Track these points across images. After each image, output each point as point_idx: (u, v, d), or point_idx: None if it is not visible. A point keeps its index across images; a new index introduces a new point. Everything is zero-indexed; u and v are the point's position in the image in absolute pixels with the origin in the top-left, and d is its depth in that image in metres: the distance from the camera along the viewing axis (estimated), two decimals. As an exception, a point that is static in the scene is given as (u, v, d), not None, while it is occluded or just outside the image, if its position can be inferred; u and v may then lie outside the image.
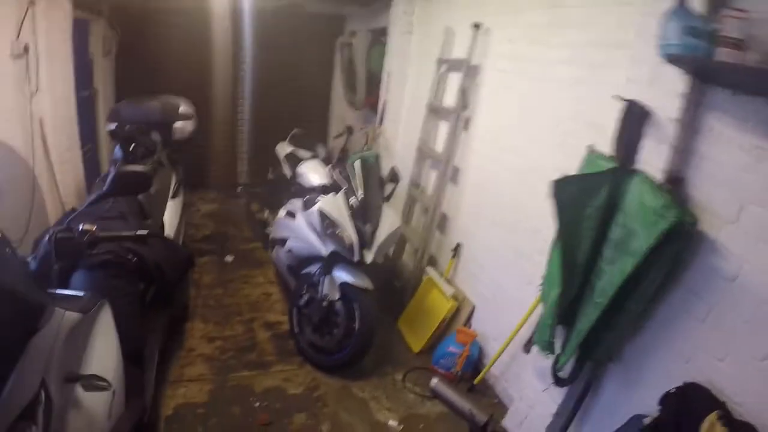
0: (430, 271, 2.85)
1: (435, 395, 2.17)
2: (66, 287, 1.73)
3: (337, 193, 2.63)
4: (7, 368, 1.10)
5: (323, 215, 2.50)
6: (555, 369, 1.72)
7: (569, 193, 1.54)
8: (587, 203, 1.54)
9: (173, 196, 2.83)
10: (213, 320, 2.86)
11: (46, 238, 1.53)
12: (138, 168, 2.01)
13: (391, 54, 3.54)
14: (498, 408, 2.29)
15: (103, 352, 1.50)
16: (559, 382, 1.75)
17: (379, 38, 3.77)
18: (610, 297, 1.44)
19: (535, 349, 1.88)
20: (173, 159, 3.11)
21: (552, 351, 1.72)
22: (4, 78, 2.51)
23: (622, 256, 1.43)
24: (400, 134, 3.41)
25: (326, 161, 3.16)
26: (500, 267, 2.39)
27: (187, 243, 3.53)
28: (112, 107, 3.45)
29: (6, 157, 2.53)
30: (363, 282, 2.45)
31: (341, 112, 4.68)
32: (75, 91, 3.16)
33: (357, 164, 2.70)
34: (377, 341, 2.49)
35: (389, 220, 2.62)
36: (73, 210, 2.17)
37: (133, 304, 1.91)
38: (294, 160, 3.38)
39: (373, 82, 3.76)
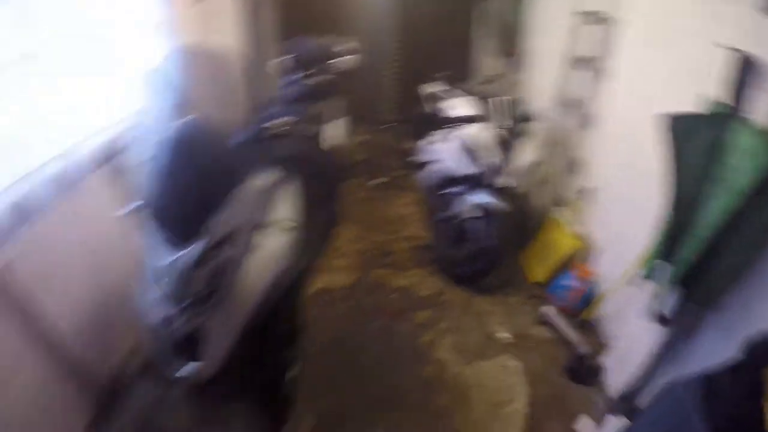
0: (557, 211, 2.96)
1: (544, 321, 2.44)
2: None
3: (483, 122, 2.87)
4: (220, 204, 1.53)
5: (470, 140, 2.77)
6: (656, 306, 1.83)
7: (683, 128, 1.61)
8: (697, 139, 1.61)
9: (338, 118, 3.32)
10: (360, 226, 3.32)
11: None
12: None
13: (531, 5, 3.62)
14: (599, 346, 2.33)
15: (288, 213, 1.89)
16: (660, 320, 1.84)
17: None
18: (711, 230, 1.49)
19: (639, 290, 1.97)
20: (336, 87, 3.58)
21: (653, 278, 1.78)
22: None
23: (724, 193, 1.47)
24: (537, 81, 3.45)
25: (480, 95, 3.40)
26: (627, 213, 2.38)
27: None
28: (285, 43, 4.01)
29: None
30: (498, 204, 2.66)
31: (481, 60, 4.78)
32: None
33: (498, 101, 2.91)
34: (503, 264, 2.72)
35: (526, 154, 2.82)
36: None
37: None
38: (437, 99, 3.66)
39: (513, 32, 3.85)
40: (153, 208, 1.63)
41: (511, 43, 3.87)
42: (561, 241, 2.79)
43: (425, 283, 2.80)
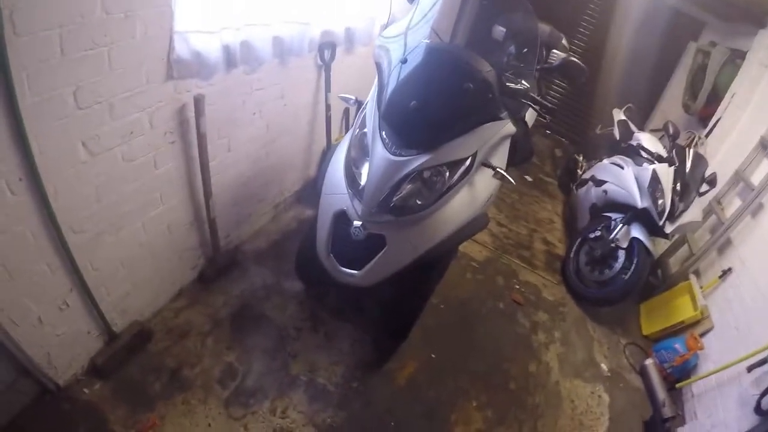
0: (693, 279, 2.93)
1: (642, 372, 2.48)
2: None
3: (670, 165, 2.89)
4: (463, 130, 1.63)
5: (655, 176, 2.81)
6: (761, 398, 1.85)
7: None
8: None
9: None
10: (505, 213, 3.47)
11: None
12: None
13: (741, 78, 3.44)
14: (681, 417, 2.35)
15: (503, 164, 2.00)
16: (759, 411, 1.87)
17: (734, 58, 3.59)
18: None
19: (740, 380, 2.01)
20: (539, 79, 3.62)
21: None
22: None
23: None
24: (721, 153, 3.32)
25: (673, 136, 3.35)
26: (757, 307, 2.38)
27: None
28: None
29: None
30: (651, 246, 2.72)
31: (667, 109, 4.52)
32: None
33: (690, 151, 2.98)
34: (624, 304, 2.78)
35: (696, 212, 2.83)
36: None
37: None
38: (626, 127, 3.63)
39: (714, 95, 3.67)
40: (398, 105, 1.66)
41: (709, 105, 3.75)
42: (684, 305, 2.80)
43: (551, 288, 2.93)
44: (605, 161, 3.36)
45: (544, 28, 3.61)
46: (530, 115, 3.16)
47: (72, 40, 1.22)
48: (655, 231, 2.78)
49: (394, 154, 1.62)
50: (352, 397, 1.95)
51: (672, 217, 2.73)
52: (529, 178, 4.09)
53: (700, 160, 2.96)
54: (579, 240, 3.07)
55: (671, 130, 3.26)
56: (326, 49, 2.36)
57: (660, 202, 2.75)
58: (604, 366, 2.54)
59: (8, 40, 1.08)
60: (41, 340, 1.52)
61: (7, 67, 1.10)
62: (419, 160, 1.60)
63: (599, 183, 3.23)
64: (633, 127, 3.63)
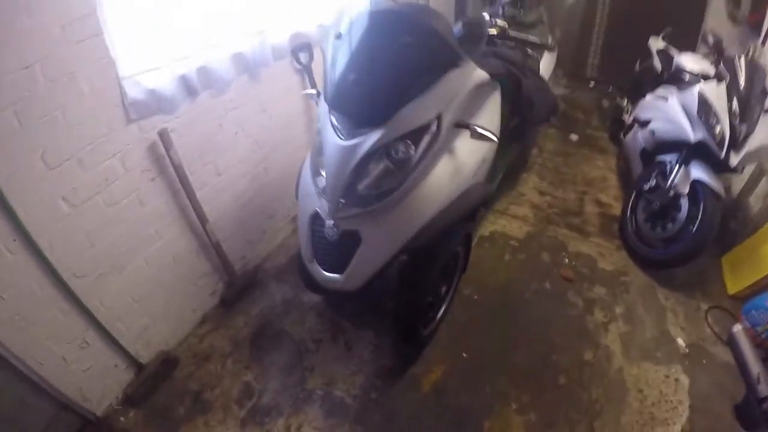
0: None
1: (730, 342, 2.00)
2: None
3: (719, 82, 2.36)
4: (417, 91, 1.41)
5: (702, 98, 2.33)
6: None
7: None
8: None
9: (549, 50, 2.99)
10: (548, 179, 3.12)
11: (461, 22, 1.71)
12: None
13: None
14: None
15: (491, 119, 1.78)
16: None
17: None
18: None
19: None
20: (552, 21, 3.24)
21: None
22: None
23: None
24: None
25: (716, 48, 2.74)
26: None
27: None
28: None
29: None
30: (717, 185, 2.25)
31: (715, 26, 3.69)
32: None
33: (741, 61, 2.37)
34: (701, 261, 2.31)
35: (765, 132, 2.24)
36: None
37: (501, 119, 2.12)
38: (666, 56, 3.09)
39: None
40: (338, 85, 1.51)
41: (758, 9, 3.00)
42: None
43: (609, 256, 2.57)
44: (648, 97, 2.88)
45: None
46: (546, 64, 2.82)
47: (26, 113, 1.34)
48: (719, 166, 2.29)
49: (345, 138, 1.47)
50: (371, 408, 1.84)
51: (735, 144, 2.23)
52: (574, 137, 3.64)
53: (756, 71, 2.38)
54: (634, 194, 2.66)
55: (711, 41, 2.69)
56: (301, 52, 2.26)
57: (716, 129, 2.25)
58: (680, 341, 2.13)
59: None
60: (70, 376, 1.68)
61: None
62: (371, 139, 1.43)
63: (644, 123, 2.77)
64: (675, 51, 3.06)
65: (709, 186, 2.26)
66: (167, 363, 2.00)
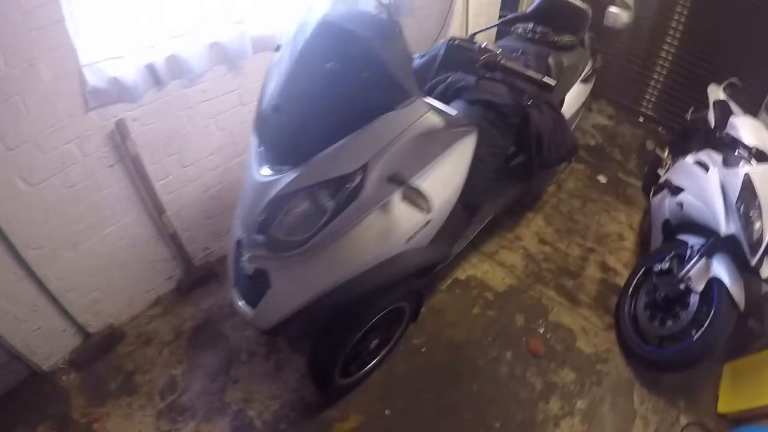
0: None
1: None
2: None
3: None
4: (344, 132, 1.20)
5: (747, 184, 1.93)
6: None
7: None
8: None
9: (584, 80, 2.58)
10: (555, 226, 2.78)
11: (441, 42, 1.51)
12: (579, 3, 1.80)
13: None
14: None
15: (442, 178, 1.51)
16: None
17: None
18: None
19: None
20: (596, 45, 2.75)
21: None
22: None
23: None
24: None
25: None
26: None
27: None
28: None
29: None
30: (739, 292, 1.88)
31: None
32: None
33: None
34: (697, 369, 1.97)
35: None
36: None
37: (495, 157, 1.93)
38: (724, 110, 2.56)
39: None
40: (263, 109, 1.36)
41: None
42: None
43: (593, 335, 2.26)
44: (688, 158, 2.41)
45: None
46: (574, 97, 2.44)
47: None
48: (748, 270, 1.91)
49: (263, 171, 1.32)
50: None
51: None
52: (602, 180, 3.21)
53: None
54: (642, 270, 2.29)
55: None
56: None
57: (755, 226, 1.86)
58: None
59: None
60: (21, 333, 1.82)
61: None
62: (285, 180, 1.25)
63: (675, 191, 2.35)
64: (736, 108, 2.55)
65: (729, 290, 1.88)
66: (113, 336, 2.08)
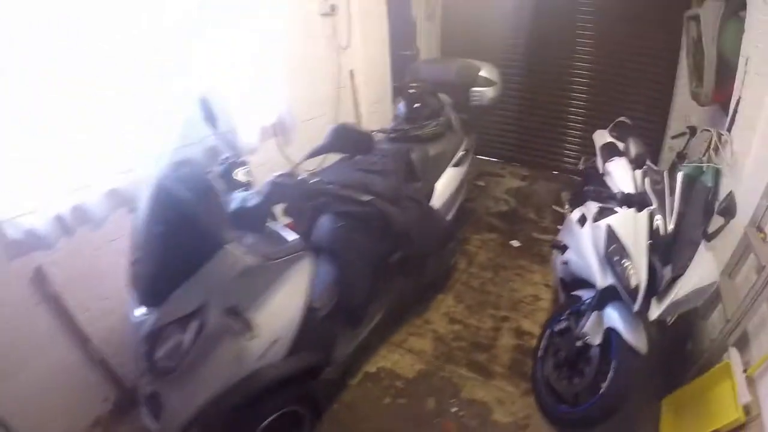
0: (732, 356, 1.90)
1: None
2: (313, 226, 2.11)
3: (639, 210, 2.03)
4: (183, 277, 1.46)
5: (611, 235, 1.97)
6: None
7: None
8: None
9: (456, 165, 2.80)
10: (466, 302, 2.84)
11: (266, 182, 1.72)
12: (360, 128, 2.06)
13: (750, 32, 2.27)
14: None
15: (278, 303, 1.66)
16: None
17: (736, 10, 2.47)
18: None
19: None
20: (467, 125, 3.04)
21: None
22: (315, 33, 3.08)
23: None
24: (754, 149, 2.16)
25: (637, 162, 2.41)
26: None
27: (471, 214, 3.55)
28: (411, 65, 3.56)
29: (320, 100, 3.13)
30: (636, 339, 1.87)
31: (684, 106, 3.35)
32: (394, 50, 3.60)
33: (679, 177, 2.04)
34: (624, 409, 1.90)
35: (702, 269, 1.85)
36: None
37: (364, 260, 2.07)
38: (613, 152, 2.72)
39: (726, 70, 2.52)
40: (129, 261, 1.60)
41: (724, 85, 2.59)
42: (721, 403, 1.84)
43: (510, 404, 2.24)
44: (574, 214, 2.49)
45: (451, 67, 3.11)
46: (446, 183, 2.65)
47: None
48: (641, 316, 1.91)
49: (138, 313, 1.60)
50: None
51: (657, 291, 1.87)
52: (516, 243, 3.34)
53: (694, 185, 2.06)
54: (548, 333, 2.30)
55: (633, 151, 2.41)
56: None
57: (628, 273, 1.88)
58: None
59: None
60: None
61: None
62: (150, 320, 1.52)
63: (563, 249, 2.44)
64: (622, 147, 2.72)
65: (624, 339, 1.89)
66: None
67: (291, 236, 1.75)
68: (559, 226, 2.94)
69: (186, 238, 1.48)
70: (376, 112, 3.66)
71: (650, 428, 2.03)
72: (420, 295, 2.76)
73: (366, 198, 1.91)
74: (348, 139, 1.80)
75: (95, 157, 2.03)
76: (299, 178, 1.81)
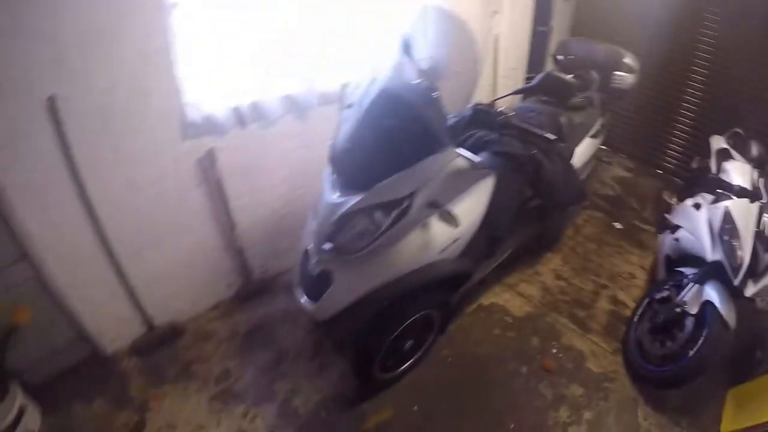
0: None
1: None
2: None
3: (753, 200, 2.38)
4: (397, 169, 1.68)
5: (728, 217, 2.34)
6: None
7: None
8: None
9: (593, 136, 3.03)
10: (571, 264, 3.15)
11: (467, 107, 2.02)
12: (566, 77, 2.33)
13: None
14: None
15: (468, 206, 1.97)
16: None
17: None
18: None
19: None
20: (605, 105, 3.23)
21: None
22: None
23: None
24: None
25: (756, 162, 2.75)
26: None
27: (588, 186, 3.73)
28: (562, 39, 3.70)
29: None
30: (728, 314, 2.17)
31: None
32: (533, 24, 3.80)
33: None
34: (704, 387, 2.26)
35: None
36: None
37: (511, 200, 2.36)
38: (726, 157, 2.99)
39: None
40: (338, 148, 1.83)
41: None
42: None
43: (601, 358, 2.57)
44: (687, 201, 2.85)
45: (601, 48, 3.26)
46: (584, 150, 2.87)
47: (109, 120, 1.88)
48: (736, 292, 2.24)
49: (334, 195, 1.79)
50: (315, 424, 2.15)
51: (755, 273, 2.20)
52: (618, 225, 3.59)
53: None
54: (647, 301, 2.63)
55: (755, 152, 2.60)
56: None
57: (737, 252, 2.23)
58: None
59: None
60: (94, 317, 2.19)
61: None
62: (352, 201, 1.74)
63: (674, 229, 2.77)
64: (737, 155, 2.97)
65: (719, 311, 2.19)
66: (175, 331, 2.49)
67: (476, 158, 2.02)
68: (666, 215, 3.16)
69: (412, 136, 1.72)
70: (510, 77, 3.87)
71: (713, 410, 2.32)
72: (537, 248, 3.10)
73: (552, 136, 2.15)
74: (555, 86, 2.07)
75: (279, 61, 2.27)
76: (498, 109, 2.13)
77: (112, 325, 2.29)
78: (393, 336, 2.03)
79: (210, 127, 2.16)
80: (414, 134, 1.72)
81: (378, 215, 1.74)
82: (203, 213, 2.37)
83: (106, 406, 2.16)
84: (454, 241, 1.97)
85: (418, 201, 1.75)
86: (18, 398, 1.93)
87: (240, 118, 2.25)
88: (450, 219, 1.85)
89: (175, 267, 2.38)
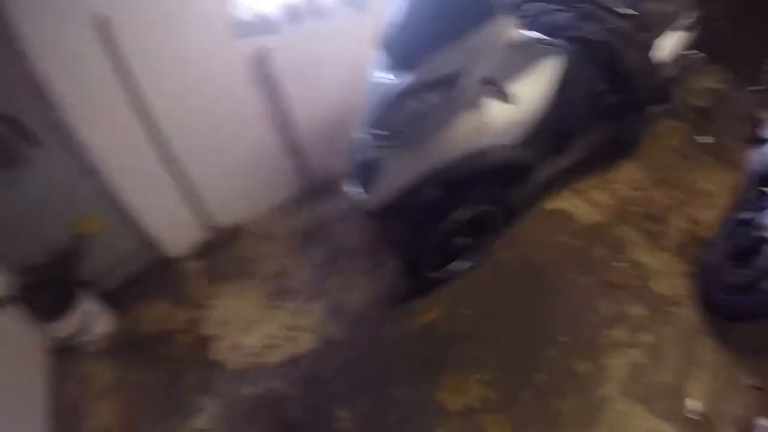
0: None
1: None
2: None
3: None
4: (447, 41, 1.52)
5: None
6: None
7: None
8: None
9: (680, 29, 2.57)
10: (647, 175, 2.87)
11: None
12: None
13: None
14: None
15: (528, 86, 1.75)
16: None
17: None
18: None
19: None
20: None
21: None
22: None
23: None
24: None
25: None
26: None
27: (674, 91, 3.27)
28: None
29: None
30: None
31: None
32: None
33: None
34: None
35: None
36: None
37: (586, 91, 2.11)
38: None
39: None
40: (390, 26, 1.71)
41: None
42: None
43: (669, 279, 2.38)
44: None
45: None
46: (671, 42, 2.50)
47: (164, 25, 1.91)
48: None
49: (383, 76, 1.69)
50: (363, 322, 2.17)
51: None
52: (703, 140, 3.17)
53: None
54: (727, 222, 2.40)
55: None
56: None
57: None
58: (691, 403, 1.92)
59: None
60: (157, 222, 2.30)
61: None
62: (399, 80, 1.61)
63: (764, 142, 2.43)
64: None
65: None
66: (235, 233, 2.59)
67: (538, 35, 1.77)
68: (756, 128, 2.79)
69: (459, 6, 1.53)
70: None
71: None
72: (611, 153, 2.79)
73: (630, 12, 1.88)
74: None
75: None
76: None
77: (174, 230, 2.40)
78: (445, 230, 1.93)
79: (262, 24, 2.12)
80: (464, 4, 1.54)
81: (428, 95, 1.61)
82: (260, 113, 2.33)
83: (167, 305, 2.31)
84: (513, 125, 1.77)
85: (471, 77, 1.58)
86: (84, 306, 2.06)
87: (294, 14, 2.15)
88: (508, 99, 1.66)
89: (234, 169, 2.40)
